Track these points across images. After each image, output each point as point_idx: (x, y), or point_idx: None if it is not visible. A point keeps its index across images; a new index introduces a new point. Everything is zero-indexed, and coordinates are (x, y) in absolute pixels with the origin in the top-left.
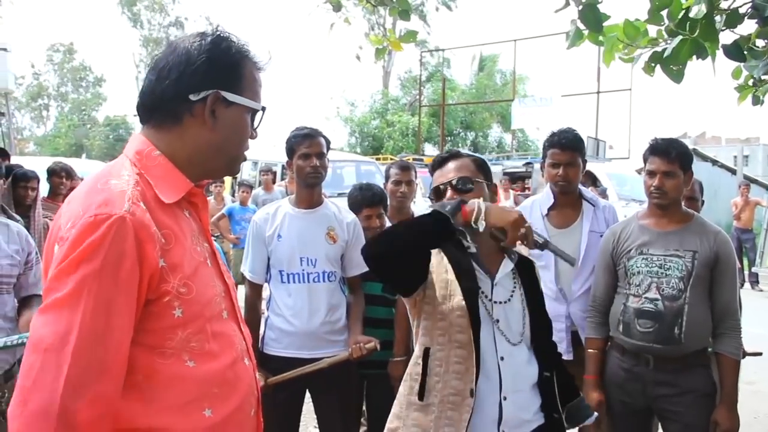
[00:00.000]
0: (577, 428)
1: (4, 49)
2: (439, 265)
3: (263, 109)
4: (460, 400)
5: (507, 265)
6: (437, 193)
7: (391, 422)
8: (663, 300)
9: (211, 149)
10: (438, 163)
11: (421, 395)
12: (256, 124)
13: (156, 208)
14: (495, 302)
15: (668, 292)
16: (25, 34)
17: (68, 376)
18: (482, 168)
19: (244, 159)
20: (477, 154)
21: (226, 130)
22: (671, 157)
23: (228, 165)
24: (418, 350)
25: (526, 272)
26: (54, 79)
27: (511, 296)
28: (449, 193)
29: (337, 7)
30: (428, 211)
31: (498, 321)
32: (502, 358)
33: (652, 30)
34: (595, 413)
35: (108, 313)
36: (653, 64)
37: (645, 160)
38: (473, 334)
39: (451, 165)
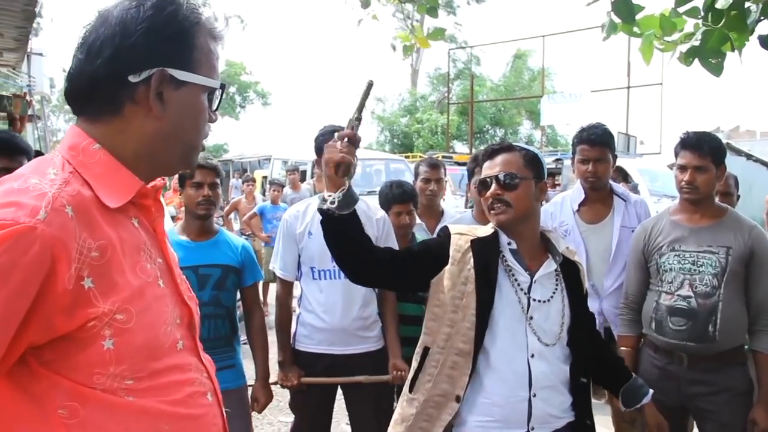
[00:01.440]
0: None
1: (40, 54)
2: (459, 275)
3: (222, 86)
4: (445, 401)
5: (549, 266)
6: (484, 185)
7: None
8: (696, 297)
9: (161, 140)
10: (488, 154)
11: (411, 388)
12: (214, 105)
13: (95, 214)
14: (533, 299)
15: (701, 290)
16: (56, 39)
17: None
18: (532, 163)
19: (203, 148)
20: (531, 148)
21: (178, 116)
22: (703, 152)
23: (183, 157)
24: (419, 347)
25: (570, 274)
26: None
27: (552, 296)
28: (494, 187)
29: (366, 4)
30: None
31: (532, 318)
32: (532, 356)
33: (689, 24)
34: (651, 390)
35: None
36: (690, 58)
37: (676, 155)
38: (474, 348)
39: (500, 158)
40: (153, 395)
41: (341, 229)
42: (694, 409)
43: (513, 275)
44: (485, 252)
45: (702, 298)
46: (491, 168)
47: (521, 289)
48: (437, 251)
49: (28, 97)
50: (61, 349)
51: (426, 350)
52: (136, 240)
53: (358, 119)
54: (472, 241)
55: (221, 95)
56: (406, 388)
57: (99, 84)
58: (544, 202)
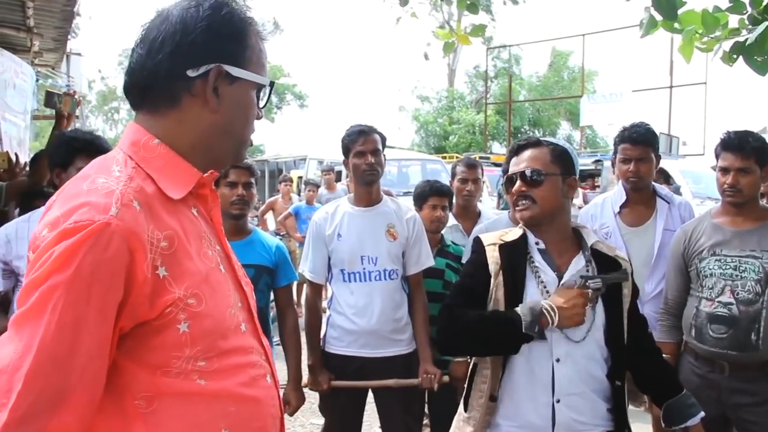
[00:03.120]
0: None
1: (79, 54)
2: (494, 283)
3: (271, 84)
4: (484, 402)
5: (578, 262)
6: (510, 182)
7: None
8: (738, 304)
9: (216, 133)
10: (515, 150)
11: (465, 407)
12: (262, 102)
13: (158, 207)
14: None
15: (743, 296)
16: (94, 40)
17: (15, 406)
18: (561, 158)
19: (251, 144)
20: (560, 142)
21: (231, 111)
22: (746, 152)
23: (235, 150)
24: (471, 365)
25: (608, 271)
26: None
27: None
28: (518, 183)
29: (404, 2)
30: (511, 314)
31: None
32: (557, 360)
33: (733, 20)
34: (702, 412)
35: (74, 332)
36: (735, 56)
37: (717, 156)
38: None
39: (526, 154)
40: (221, 378)
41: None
42: (737, 420)
43: (539, 276)
44: (512, 256)
45: (744, 305)
46: (517, 164)
47: (546, 291)
48: (485, 273)
49: (77, 96)
50: (141, 334)
51: (474, 367)
52: (197, 228)
53: None
54: (500, 247)
55: (269, 92)
56: (461, 408)
57: (159, 77)
58: (583, 204)
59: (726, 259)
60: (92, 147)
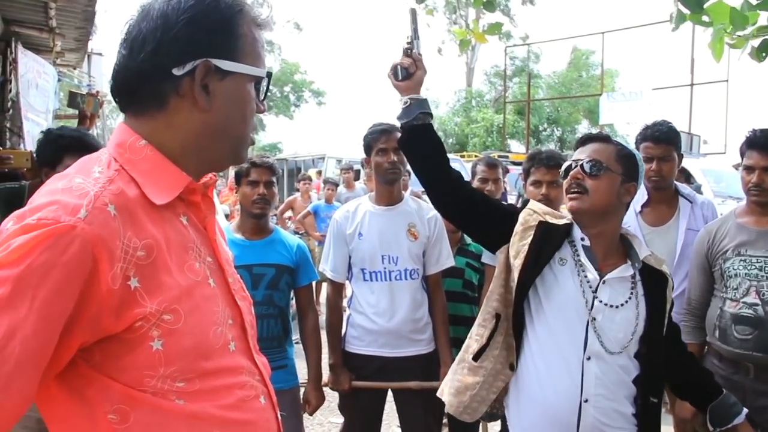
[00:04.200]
0: None
1: (99, 54)
2: (513, 247)
3: (269, 75)
4: (502, 369)
5: (625, 270)
6: (568, 171)
7: (447, 375)
8: (763, 305)
9: (209, 134)
10: (582, 141)
11: (477, 357)
12: (261, 94)
13: (140, 213)
14: (599, 300)
15: None
16: (115, 40)
17: None
18: (625, 160)
19: (252, 142)
20: (630, 146)
21: (224, 108)
22: None
23: (233, 150)
24: (487, 313)
25: (653, 284)
26: None
27: (624, 303)
28: (575, 170)
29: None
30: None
31: (595, 319)
32: (588, 358)
33: (762, 17)
34: (746, 409)
35: (7, 335)
36: (764, 53)
37: (742, 155)
38: (513, 326)
39: (591, 146)
40: (204, 399)
41: (410, 137)
42: (763, 423)
43: (582, 271)
44: (548, 237)
45: None
46: (580, 154)
47: (590, 287)
48: (508, 218)
49: (99, 97)
50: (109, 350)
51: (498, 317)
52: (184, 238)
53: (410, 44)
54: (540, 221)
55: (268, 83)
56: (467, 356)
57: (143, 78)
58: None
59: (751, 260)
60: (80, 145)
